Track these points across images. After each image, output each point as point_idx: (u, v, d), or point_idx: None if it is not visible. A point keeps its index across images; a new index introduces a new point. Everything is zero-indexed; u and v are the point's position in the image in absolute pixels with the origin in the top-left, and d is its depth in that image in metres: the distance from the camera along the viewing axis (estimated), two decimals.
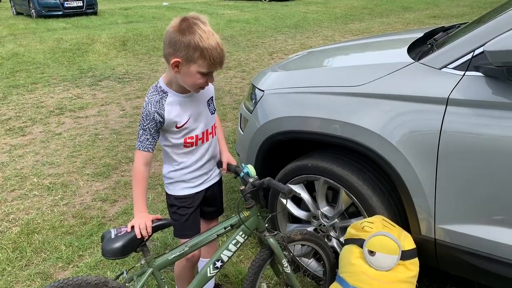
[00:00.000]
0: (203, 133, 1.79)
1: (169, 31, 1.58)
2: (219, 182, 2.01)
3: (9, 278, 2.47)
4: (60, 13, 14.73)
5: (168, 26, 1.60)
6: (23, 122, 5.13)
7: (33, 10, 14.89)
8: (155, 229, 1.62)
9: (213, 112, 1.85)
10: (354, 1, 18.28)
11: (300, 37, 10.62)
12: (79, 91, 6.41)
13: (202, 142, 1.80)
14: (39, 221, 3.05)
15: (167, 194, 1.91)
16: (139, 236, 1.55)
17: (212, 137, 1.86)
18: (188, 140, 1.76)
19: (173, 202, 1.88)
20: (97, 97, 6.08)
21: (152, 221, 1.61)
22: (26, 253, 2.69)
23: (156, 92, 1.68)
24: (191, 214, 1.88)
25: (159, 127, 1.68)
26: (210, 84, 1.80)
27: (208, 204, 1.98)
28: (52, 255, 2.67)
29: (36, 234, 2.89)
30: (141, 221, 1.57)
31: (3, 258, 2.64)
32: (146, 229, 1.56)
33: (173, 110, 1.68)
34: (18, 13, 16.55)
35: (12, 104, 5.81)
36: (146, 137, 1.66)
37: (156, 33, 10.98)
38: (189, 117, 1.72)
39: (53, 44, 9.61)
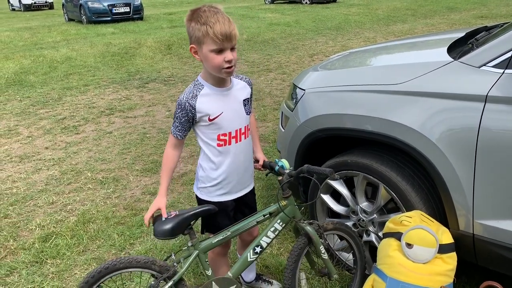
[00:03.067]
0: (236, 131, 1.82)
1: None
2: (253, 190, 2.04)
3: (68, 262, 2.70)
4: (109, 19, 15.44)
5: None
6: (76, 121, 5.47)
7: (83, 17, 15.68)
8: (199, 214, 1.77)
9: (249, 112, 1.88)
10: (397, 2, 17.98)
11: (341, 39, 10.61)
12: (127, 92, 6.74)
13: (236, 141, 1.83)
14: (93, 211, 3.29)
15: (198, 198, 1.94)
16: (146, 225, 1.74)
17: (245, 138, 1.87)
18: (222, 137, 1.79)
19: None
20: (144, 99, 6.38)
21: (194, 208, 1.78)
22: (83, 240, 2.92)
23: (193, 85, 1.77)
24: (224, 222, 1.91)
25: (190, 117, 1.74)
26: (247, 85, 1.89)
27: (243, 212, 2.00)
28: (106, 242, 2.88)
29: (91, 223, 3.12)
30: (150, 210, 1.76)
31: (63, 244, 2.87)
32: (145, 219, 1.75)
33: (207, 101, 1.74)
34: (70, 20, 17.45)
35: (66, 105, 6.20)
36: (177, 123, 1.76)
37: None
38: (222, 111, 1.76)
39: (103, 48, 10.10)
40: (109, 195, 3.56)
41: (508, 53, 1.75)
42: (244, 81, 1.91)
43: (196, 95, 1.73)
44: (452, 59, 1.96)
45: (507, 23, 2.57)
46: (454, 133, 1.83)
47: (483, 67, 1.80)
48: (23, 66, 8.63)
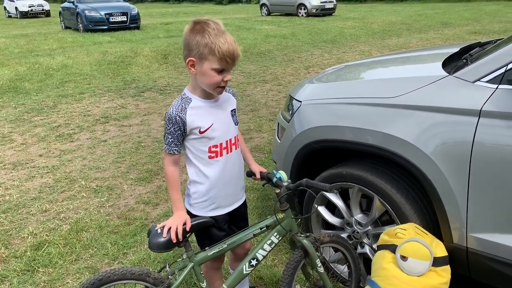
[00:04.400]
0: (227, 142, 1.82)
1: (184, 35, 1.69)
2: (245, 203, 2.03)
3: (60, 271, 2.67)
4: (106, 27, 15.47)
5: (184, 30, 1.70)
6: (71, 129, 5.45)
7: (80, 25, 15.70)
8: (195, 227, 1.75)
9: (236, 123, 1.88)
10: (392, 17, 18.20)
11: (337, 52, 10.71)
12: (123, 101, 6.74)
13: (227, 152, 1.82)
14: (87, 220, 3.27)
15: (190, 214, 1.88)
16: (174, 241, 1.66)
17: (235, 148, 1.87)
18: (213, 149, 1.78)
19: None
20: (140, 107, 6.38)
21: (191, 220, 1.74)
22: (76, 249, 2.90)
23: (180, 99, 1.76)
24: (219, 237, 1.89)
25: (182, 130, 1.72)
26: (232, 95, 1.90)
27: (235, 225, 1.99)
28: (99, 251, 2.86)
29: (84, 232, 3.10)
30: (173, 224, 1.68)
31: (55, 252, 2.85)
32: (178, 233, 1.67)
33: (196, 114, 1.73)
34: (67, 27, 17.45)
35: (61, 112, 6.18)
36: (171, 140, 1.73)
37: None
38: (212, 123, 1.75)
39: (99, 57, 10.10)
40: (102, 203, 3.54)
41: (502, 69, 1.78)
42: (228, 92, 1.90)
43: (185, 108, 1.72)
44: (447, 74, 2.00)
45: (500, 39, 2.62)
46: (449, 146, 1.85)
47: (477, 82, 1.83)
48: (18, 73, 8.61)
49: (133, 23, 16.07)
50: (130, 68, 9.18)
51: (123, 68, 9.12)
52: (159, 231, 1.69)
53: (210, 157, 1.79)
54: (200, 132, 1.74)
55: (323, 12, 20.40)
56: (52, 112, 6.22)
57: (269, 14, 22.39)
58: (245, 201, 2.03)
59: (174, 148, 1.75)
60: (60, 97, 7.00)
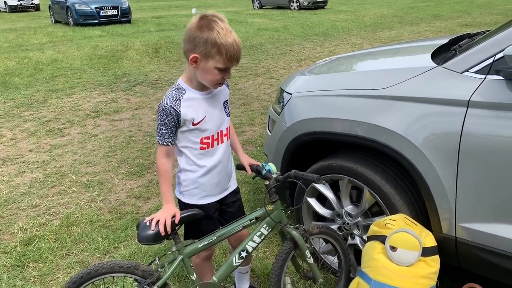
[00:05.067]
0: (218, 133, 1.82)
1: (189, 28, 1.64)
2: (237, 190, 2.04)
3: (51, 266, 2.66)
4: (96, 21, 15.32)
5: (188, 23, 1.65)
6: (62, 124, 5.41)
7: (70, 19, 15.54)
8: (184, 219, 1.74)
9: (229, 114, 1.89)
10: (384, 10, 18.21)
11: (329, 45, 10.70)
12: (114, 95, 6.69)
13: (218, 143, 1.83)
14: (77, 215, 3.25)
15: (181, 202, 1.90)
16: (162, 233, 1.65)
17: (227, 139, 1.89)
18: (205, 140, 1.79)
19: None
20: (131, 102, 6.34)
21: (180, 213, 1.73)
22: (66, 243, 2.88)
23: (174, 89, 1.73)
24: (209, 225, 1.89)
25: (176, 122, 1.71)
26: (225, 86, 1.88)
27: (229, 213, 2.00)
28: (90, 246, 2.85)
29: (75, 227, 3.08)
30: (162, 217, 1.68)
31: (45, 247, 2.83)
32: (167, 226, 1.66)
33: (190, 106, 1.72)
34: (57, 22, 17.26)
35: (52, 107, 6.13)
36: (164, 131, 1.72)
37: None
38: (205, 114, 1.76)
39: (90, 51, 10.01)
40: (93, 198, 3.53)
41: (490, 59, 1.78)
42: None
43: (179, 99, 1.71)
44: (436, 65, 2.00)
45: (489, 30, 2.62)
46: (437, 137, 1.86)
47: (466, 73, 1.84)
48: (7, 67, 8.51)
49: (124, 17, 15.93)
50: (121, 62, 9.11)
51: (114, 62, 9.04)
52: (147, 224, 1.68)
53: (201, 148, 1.80)
54: (193, 124, 1.74)
55: (315, 5, 20.37)
56: (42, 106, 6.16)
57: (261, 7, 22.30)
58: (237, 188, 2.03)
59: (168, 140, 1.74)
60: (50, 91, 6.93)
